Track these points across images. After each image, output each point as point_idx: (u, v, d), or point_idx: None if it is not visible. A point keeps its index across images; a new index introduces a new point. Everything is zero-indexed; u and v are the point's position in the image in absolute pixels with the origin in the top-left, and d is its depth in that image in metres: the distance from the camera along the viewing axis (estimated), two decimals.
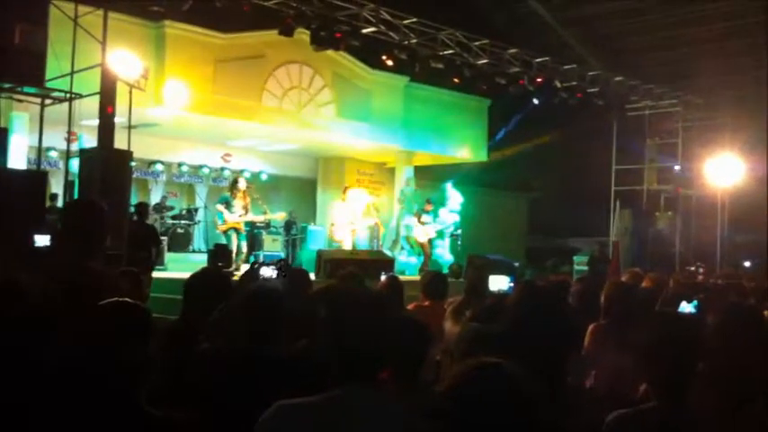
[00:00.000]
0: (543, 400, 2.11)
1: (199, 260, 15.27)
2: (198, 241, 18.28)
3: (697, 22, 17.74)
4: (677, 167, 20.79)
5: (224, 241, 14.07)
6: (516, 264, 15.39)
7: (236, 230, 13.76)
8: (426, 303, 6.19)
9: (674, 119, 21.04)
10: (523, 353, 2.82)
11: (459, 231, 17.30)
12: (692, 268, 16.89)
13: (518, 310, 3.45)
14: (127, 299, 2.74)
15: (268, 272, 5.03)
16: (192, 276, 4.30)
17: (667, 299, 5.18)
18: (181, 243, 17.08)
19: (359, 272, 6.04)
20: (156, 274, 11.09)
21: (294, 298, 4.24)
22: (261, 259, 14.30)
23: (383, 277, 6.15)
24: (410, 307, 6.12)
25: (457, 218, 16.76)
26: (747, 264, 18.26)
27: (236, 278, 6.17)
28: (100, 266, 3.80)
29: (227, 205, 13.81)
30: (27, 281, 3.41)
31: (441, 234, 17.26)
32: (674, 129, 21.21)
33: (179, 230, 17.16)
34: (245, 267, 11.82)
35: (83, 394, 2.51)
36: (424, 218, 16.45)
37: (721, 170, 19.72)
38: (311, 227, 19.65)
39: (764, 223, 16.36)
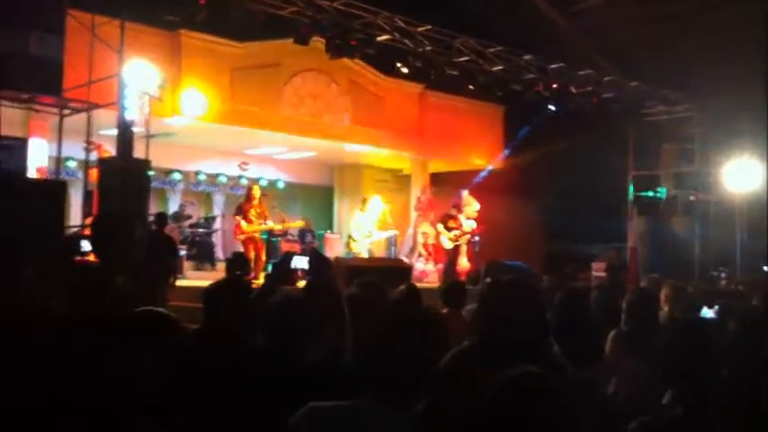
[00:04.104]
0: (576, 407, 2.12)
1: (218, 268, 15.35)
2: (216, 249, 18.33)
3: (713, 31, 17.66)
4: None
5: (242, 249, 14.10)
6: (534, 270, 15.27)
7: (254, 240, 13.79)
8: (445, 311, 6.18)
9: (690, 124, 20.94)
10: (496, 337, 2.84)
11: (477, 239, 17.21)
12: (714, 273, 16.78)
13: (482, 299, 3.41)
14: (159, 309, 2.76)
15: (300, 262, 5.04)
16: (213, 285, 4.29)
17: (688, 305, 5.16)
18: (200, 252, 17.14)
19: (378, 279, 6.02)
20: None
21: (319, 286, 4.26)
22: None
23: (401, 287, 6.13)
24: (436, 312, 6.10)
25: (474, 225, 16.66)
26: (767, 268, 18.10)
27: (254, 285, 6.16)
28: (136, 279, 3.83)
29: (244, 215, 13.84)
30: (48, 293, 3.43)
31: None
32: (691, 134, 21.11)
33: (197, 239, 17.22)
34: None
35: (93, 403, 2.52)
36: (450, 223, 16.32)
37: (739, 175, 19.60)
38: (328, 234, 19.65)
39: None
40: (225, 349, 3.73)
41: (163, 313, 2.71)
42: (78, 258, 9.70)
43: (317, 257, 5.38)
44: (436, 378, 2.69)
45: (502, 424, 2.08)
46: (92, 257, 9.93)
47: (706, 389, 2.83)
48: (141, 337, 2.59)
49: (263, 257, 13.90)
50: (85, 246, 10.86)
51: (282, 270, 4.81)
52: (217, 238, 18.43)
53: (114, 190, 11.28)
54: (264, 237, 14.57)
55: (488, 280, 4.23)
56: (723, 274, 16.32)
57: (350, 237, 16.68)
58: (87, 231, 11.22)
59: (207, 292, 4.01)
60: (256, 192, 14.21)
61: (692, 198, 20.58)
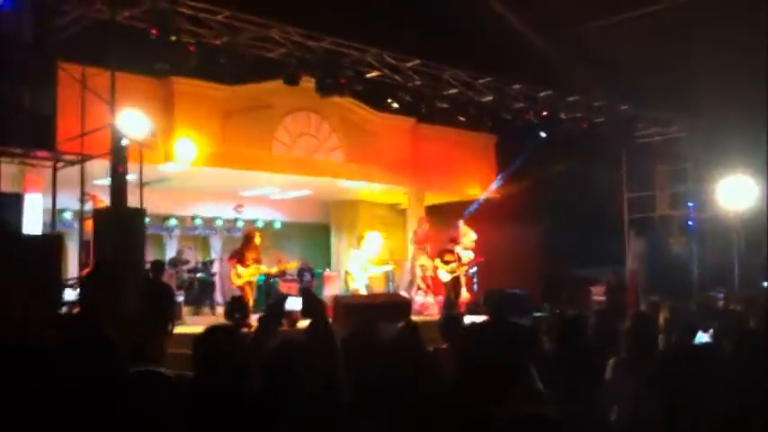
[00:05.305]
0: None
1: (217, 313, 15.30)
2: (215, 293, 18.29)
3: (704, 54, 17.82)
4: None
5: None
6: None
7: (250, 283, 13.87)
8: (444, 346, 6.17)
9: (683, 143, 21.03)
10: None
11: (476, 269, 17.22)
12: (712, 294, 16.71)
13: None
14: (160, 369, 2.76)
15: (293, 303, 5.04)
16: (199, 335, 4.23)
17: (685, 330, 5.16)
18: (199, 296, 17.13)
19: (376, 316, 6.02)
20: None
21: (315, 328, 4.26)
22: None
23: (401, 324, 6.13)
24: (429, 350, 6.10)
25: (471, 255, 16.69)
26: (766, 284, 18.07)
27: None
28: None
29: (240, 259, 13.90)
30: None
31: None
32: (684, 153, 21.18)
33: (196, 284, 17.20)
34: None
35: None
36: (447, 257, 16.39)
37: (734, 192, 19.61)
38: (327, 272, 19.63)
39: None
40: (220, 396, 3.73)
41: (154, 372, 2.71)
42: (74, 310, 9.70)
43: (309, 298, 5.38)
44: (429, 412, 2.71)
45: None
46: (78, 308, 9.98)
47: (702, 415, 2.84)
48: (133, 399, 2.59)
49: (252, 301, 14.01)
50: (69, 295, 10.88)
51: (275, 312, 4.82)
52: (215, 282, 18.42)
53: (110, 240, 11.26)
54: (262, 278, 14.58)
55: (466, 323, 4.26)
56: (720, 295, 16.26)
57: (347, 273, 16.70)
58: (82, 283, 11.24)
59: (194, 343, 4.00)
60: (257, 238, 14.29)
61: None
